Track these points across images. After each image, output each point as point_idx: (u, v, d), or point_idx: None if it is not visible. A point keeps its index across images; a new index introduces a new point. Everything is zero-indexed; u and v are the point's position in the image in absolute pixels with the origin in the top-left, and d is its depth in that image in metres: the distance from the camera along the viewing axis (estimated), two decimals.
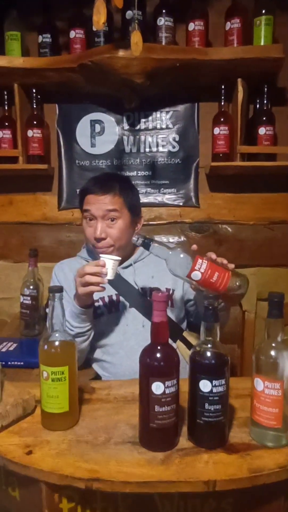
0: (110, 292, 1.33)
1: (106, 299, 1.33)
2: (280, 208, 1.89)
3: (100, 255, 1.16)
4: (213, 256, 1.07)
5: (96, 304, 1.30)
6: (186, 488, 0.75)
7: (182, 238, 1.90)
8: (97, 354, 1.34)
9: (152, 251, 1.07)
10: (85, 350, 1.29)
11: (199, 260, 1.03)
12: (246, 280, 1.07)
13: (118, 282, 1.32)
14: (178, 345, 1.34)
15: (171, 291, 1.36)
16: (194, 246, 1.10)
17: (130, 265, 1.37)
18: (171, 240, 1.89)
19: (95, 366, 1.37)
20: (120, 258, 1.15)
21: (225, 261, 1.08)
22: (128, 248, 1.36)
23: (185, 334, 1.36)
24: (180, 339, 1.35)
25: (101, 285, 1.14)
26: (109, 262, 1.13)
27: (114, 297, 1.33)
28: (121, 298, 1.33)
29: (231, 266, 1.08)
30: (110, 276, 1.13)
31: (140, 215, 1.42)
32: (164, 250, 1.07)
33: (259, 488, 0.76)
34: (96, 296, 1.28)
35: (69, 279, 1.35)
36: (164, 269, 1.35)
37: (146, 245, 1.07)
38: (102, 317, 1.32)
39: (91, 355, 1.35)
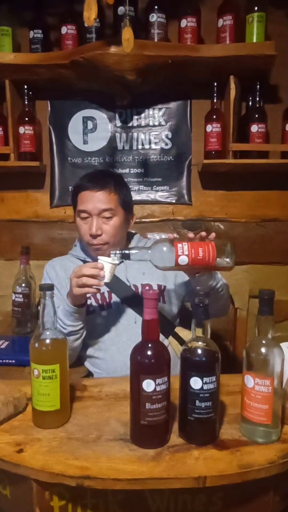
0: (102, 289, 1.32)
1: (98, 296, 1.33)
2: (272, 206, 1.90)
3: (98, 257, 1.15)
4: (190, 235, 1.08)
5: (88, 301, 1.30)
6: (177, 485, 0.75)
7: (175, 236, 1.90)
8: (89, 350, 1.34)
9: (134, 258, 1.07)
10: (77, 348, 1.29)
11: (179, 245, 1.04)
12: (231, 243, 1.08)
13: None
14: (170, 341, 1.34)
15: (162, 287, 1.36)
16: (170, 235, 1.10)
17: (122, 261, 1.36)
18: (163, 237, 1.89)
19: (86, 363, 1.37)
20: (118, 262, 1.13)
21: (203, 233, 1.09)
22: (119, 245, 1.36)
23: (177, 330, 1.37)
24: (172, 335, 1.35)
25: (96, 287, 1.14)
26: (107, 265, 1.12)
27: (106, 294, 1.33)
28: (113, 295, 1.33)
29: (212, 235, 1.09)
30: (107, 279, 1.13)
31: (133, 212, 1.42)
32: (144, 252, 1.07)
33: (249, 483, 0.77)
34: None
35: (60, 277, 1.35)
36: None
37: (126, 256, 1.07)
38: (94, 314, 1.32)
39: (83, 352, 1.35)
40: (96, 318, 1.32)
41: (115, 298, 1.33)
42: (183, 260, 1.03)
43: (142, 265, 1.36)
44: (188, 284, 1.36)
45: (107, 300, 1.33)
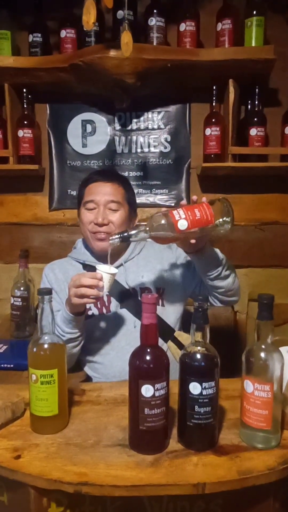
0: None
1: (97, 300, 1.32)
2: (271, 209, 1.90)
3: (97, 266, 1.12)
4: (183, 202, 1.09)
5: (87, 305, 1.29)
6: (176, 491, 0.74)
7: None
8: (88, 355, 1.34)
9: (134, 239, 1.06)
10: (75, 355, 1.29)
11: (174, 212, 1.03)
12: (225, 200, 1.08)
13: None
14: (169, 346, 1.34)
15: (161, 290, 1.35)
16: (162, 209, 1.10)
17: (121, 264, 1.36)
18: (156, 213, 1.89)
19: (86, 368, 1.36)
20: (117, 271, 1.13)
21: (194, 197, 1.10)
22: (121, 246, 1.35)
23: (176, 334, 1.36)
24: (171, 340, 1.34)
25: (94, 297, 1.12)
26: (106, 276, 1.09)
27: (105, 298, 1.33)
28: (112, 299, 1.33)
29: (203, 198, 1.09)
30: (106, 289, 1.10)
31: (136, 214, 1.43)
32: (142, 232, 1.05)
33: (248, 489, 0.76)
34: None
35: (59, 280, 1.34)
36: (154, 268, 1.36)
37: (125, 238, 1.05)
38: (93, 318, 1.31)
39: (82, 356, 1.34)
40: (95, 323, 1.31)
41: (114, 302, 1.32)
42: (183, 224, 1.02)
43: (140, 268, 1.36)
44: (190, 283, 1.36)
45: (106, 304, 1.32)
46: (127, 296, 1.32)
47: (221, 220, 1.06)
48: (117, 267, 1.35)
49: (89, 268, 1.34)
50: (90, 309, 1.31)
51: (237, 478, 0.75)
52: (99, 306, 1.32)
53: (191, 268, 1.35)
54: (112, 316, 1.32)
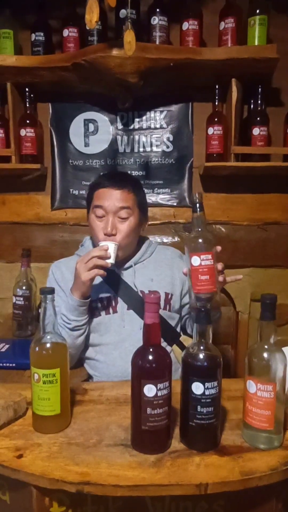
0: (109, 293, 1.32)
1: (105, 300, 1.32)
2: (274, 209, 1.89)
3: (100, 243, 1.23)
4: (218, 248, 1.06)
5: (94, 304, 1.30)
6: (178, 492, 0.74)
7: (176, 239, 1.89)
8: (90, 353, 1.34)
9: (198, 215, 1.04)
10: (80, 347, 1.29)
11: (209, 256, 1.01)
12: (217, 307, 1.08)
13: (117, 283, 1.32)
14: (174, 349, 1.34)
15: (170, 296, 1.35)
16: (219, 248, 1.07)
17: (131, 266, 1.36)
18: (164, 240, 1.89)
19: (86, 365, 1.36)
20: (118, 243, 1.23)
21: (220, 267, 1.08)
22: (130, 248, 1.35)
23: (182, 339, 1.36)
24: (177, 344, 1.34)
25: (97, 277, 1.19)
26: (111, 245, 1.22)
27: (113, 298, 1.33)
28: (120, 300, 1.32)
29: (221, 278, 1.08)
30: (112, 260, 1.21)
31: (147, 216, 1.42)
32: (202, 223, 1.04)
33: (251, 490, 0.76)
34: (94, 296, 1.29)
35: (66, 278, 1.34)
36: (164, 273, 1.36)
37: (200, 206, 1.03)
38: (100, 317, 1.31)
39: (83, 354, 1.34)
40: (101, 322, 1.31)
41: (121, 303, 1.32)
42: (196, 260, 1.01)
43: (150, 271, 1.36)
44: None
45: (113, 305, 1.32)
46: (135, 297, 1.31)
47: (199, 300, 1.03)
48: (126, 269, 1.35)
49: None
50: (97, 308, 1.31)
51: (239, 479, 0.75)
52: (106, 305, 1.32)
53: None
54: (119, 316, 1.31)
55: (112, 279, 1.32)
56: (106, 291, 1.32)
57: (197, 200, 1.03)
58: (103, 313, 1.31)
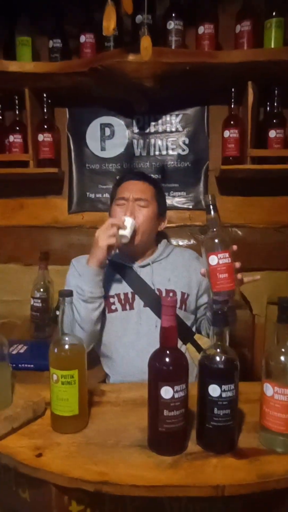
0: (126, 289, 1.34)
1: (122, 296, 1.35)
2: None
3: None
4: (234, 247, 1.08)
5: (111, 300, 1.33)
6: (195, 493, 0.75)
7: (192, 242, 1.89)
8: (107, 352, 1.36)
9: (211, 215, 1.07)
10: (95, 326, 1.29)
11: (226, 254, 1.03)
12: (237, 306, 1.09)
13: (134, 280, 1.35)
14: (188, 348, 1.34)
15: (186, 295, 1.36)
16: (235, 247, 1.09)
17: (148, 264, 1.38)
18: (180, 243, 1.89)
19: (103, 364, 1.38)
20: (135, 221, 1.30)
21: (237, 265, 1.08)
22: (148, 244, 1.40)
23: (196, 337, 1.37)
24: (191, 342, 1.35)
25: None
26: (128, 220, 1.28)
27: (130, 295, 1.35)
28: (137, 297, 1.34)
29: (239, 276, 1.09)
30: (128, 233, 1.26)
31: (166, 216, 1.47)
32: (217, 224, 1.07)
33: (268, 493, 0.76)
34: (112, 291, 1.33)
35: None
36: (181, 274, 1.37)
37: (214, 208, 1.07)
38: (117, 313, 1.33)
39: (99, 349, 1.37)
40: (117, 318, 1.33)
41: (137, 300, 1.34)
42: (213, 259, 1.03)
43: (168, 271, 1.38)
44: (207, 295, 1.36)
45: (130, 301, 1.34)
46: (151, 295, 1.34)
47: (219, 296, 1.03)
48: (144, 266, 1.38)
49: (116, 266, 1.37)
50: (114, 303, 1.34)
51: (257, 482, 0.75)
52: (123, 302, 1.34)
53: None
54: (135, 314, 1.33)
55: (130, 276, 1.35)
56: (124, 287, 1.34)
57: (210, 202, 1.05)
58: (120, 309, 1.33)
